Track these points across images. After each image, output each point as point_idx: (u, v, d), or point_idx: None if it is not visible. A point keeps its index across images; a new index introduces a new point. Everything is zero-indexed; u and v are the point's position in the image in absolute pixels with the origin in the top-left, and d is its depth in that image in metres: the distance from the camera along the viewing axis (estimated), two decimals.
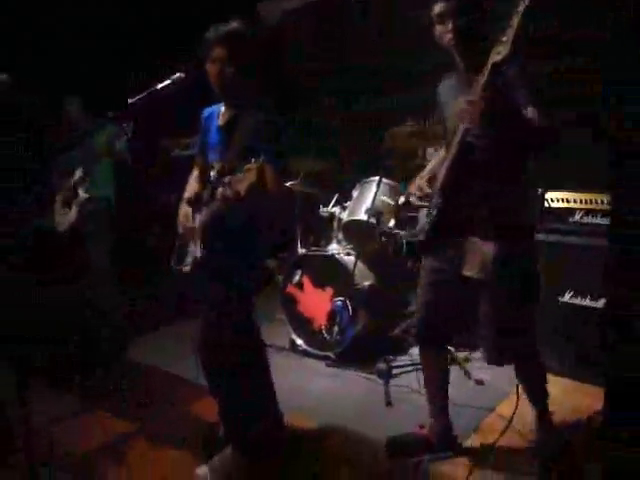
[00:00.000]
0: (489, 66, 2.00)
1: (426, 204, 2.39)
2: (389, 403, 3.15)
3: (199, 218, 2.46)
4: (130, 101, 2.20)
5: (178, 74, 2.27)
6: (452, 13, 2.18)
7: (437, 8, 2.24)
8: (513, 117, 2.08)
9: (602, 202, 3.21)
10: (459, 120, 2.16)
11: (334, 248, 3.98)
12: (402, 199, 3.93)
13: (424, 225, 2.36)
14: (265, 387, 2.66)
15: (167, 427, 3.01)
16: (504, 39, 1.94)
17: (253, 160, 2.06)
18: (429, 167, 2.60)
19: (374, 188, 3.82)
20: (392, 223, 3.85)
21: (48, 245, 4.11)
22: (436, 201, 2.31)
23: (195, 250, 2.43)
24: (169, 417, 3.13)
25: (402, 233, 3.66)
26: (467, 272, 2.27)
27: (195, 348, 2.56)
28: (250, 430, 2.55)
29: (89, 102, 4.15)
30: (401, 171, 4.44)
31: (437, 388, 2.62)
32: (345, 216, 3.96)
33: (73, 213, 3.95)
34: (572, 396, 2.92)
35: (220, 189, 2.18)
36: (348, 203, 4.06)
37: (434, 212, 2.32)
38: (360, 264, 3.79)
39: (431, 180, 2.44)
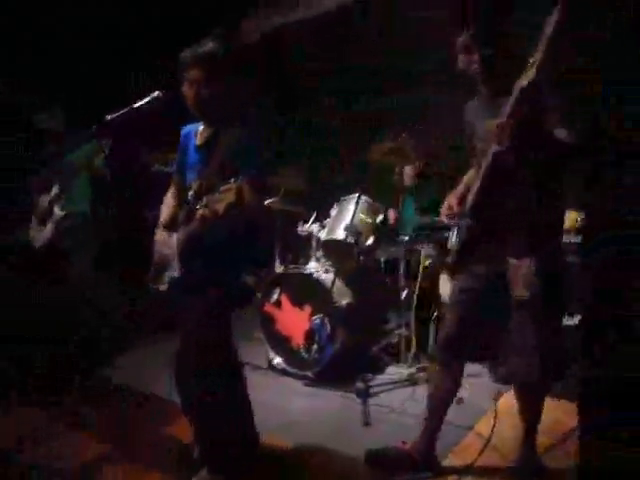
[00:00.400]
0: (517, 90, 2.03)
1: (454, 222, 2.44)
2: (367, 423, 3.12)
3: (176, 237, 2.44)
4: (107, 118, 2.19)
5: (156, 93, 2.26)
6: (479, 44, 2.23)
7: (463, 39, 2.27)
8: (543, 138, 2.11)
9: (576, 220, 3.24)
10: (489, 142, 2.18)
11: (312, 266, 3.97)
12: (380, 217, 3.98)
13: (454, 245, 2.39)
14: (242, 407, 2.62)
15: (141, 449, 2.94)
16: (531, 61, 1.97)
17: (232, 180, 2.06)
18: (462, 185, 2.61)
19: (352, 206, 3.83)
20: (371, 241, 3.87)
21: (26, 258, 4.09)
22: (466, 221, 2.34)
23: (173, 269, 2.42)
24: (143, 438, 3.06)
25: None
26: (513, 293, 2.28)
27: (171, 365, 2.52)
28: (225, 450, 2.51)
29: (69, 116, 4.14)
30: (379, 188, 4.48)
31: (441, 405, 2.59)
32: (324, 235, 3.96)
33: (48, 230, 3.94)
34: (552, 413, 2.92)
35: (199, 210, 2.19)
36: (327, 221, 4.05)
37: (464, 232, 2.35)
38: (338, 282, 3.78)
39: (461, 200, 2.48)
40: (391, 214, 4.15)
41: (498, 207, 2.26)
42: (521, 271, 2.25)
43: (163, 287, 2.45)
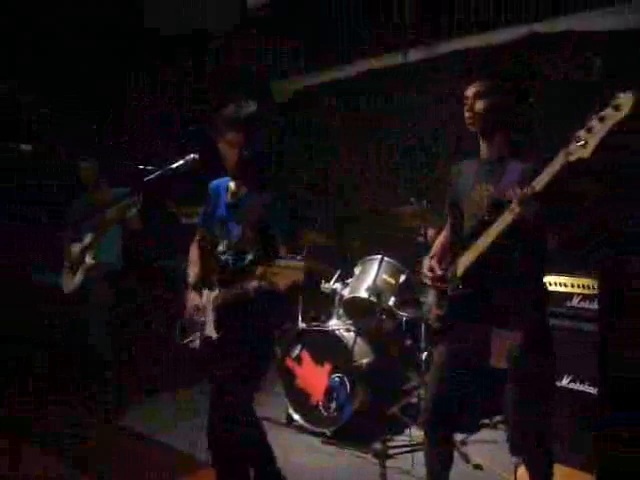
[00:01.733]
0: (556, 166, 1.98)
1: (439, 285, 2.40)
2: None
3: (212, 298, 2.50)
4: (145, 179, 2.29)
5: (192, 155, 2.35)
6: (484, 94, 2.29)
7: (470, 90, 2.33)
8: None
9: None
10: (479, 206, 2.25)
11: (334, 324, 4.01)
12: (403, 278, 4.04)
13: (435, 309, 2.39)
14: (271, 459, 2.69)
15: None
16: (580, 143, 1.90)
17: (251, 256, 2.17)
18: (436, 245, 2.64)
19: (376, 267, 3.89)
20: (392, 301, 3.92)
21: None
22: (455, 287, 2.34)
23: (208, 330, 2.46)
24: None
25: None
26: (494, 363, 2.27)
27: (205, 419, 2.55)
28: None
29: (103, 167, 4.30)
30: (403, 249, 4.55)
31: (438, 474, 2.55)
32: (346, 293, 4.02)
33: (78, 277, 4.09)
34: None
35: (230, 291, 2.34)
36: (350, 280, 4.12)
37: (451, 298, 2.34)
38: (360, 341, 3.81)
39: (440, 261, 2.47)
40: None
41: (491, 276, 2.26)
42: (504, 341, 2.24)
43: (194, 344, 2.50)
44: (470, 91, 2.33)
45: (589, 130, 1.91)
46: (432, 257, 2.54)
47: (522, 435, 2.35)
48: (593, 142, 1.90)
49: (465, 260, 2.31)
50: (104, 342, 4.09)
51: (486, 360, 2.27)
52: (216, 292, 2.49)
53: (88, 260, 4.08)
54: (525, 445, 2.36)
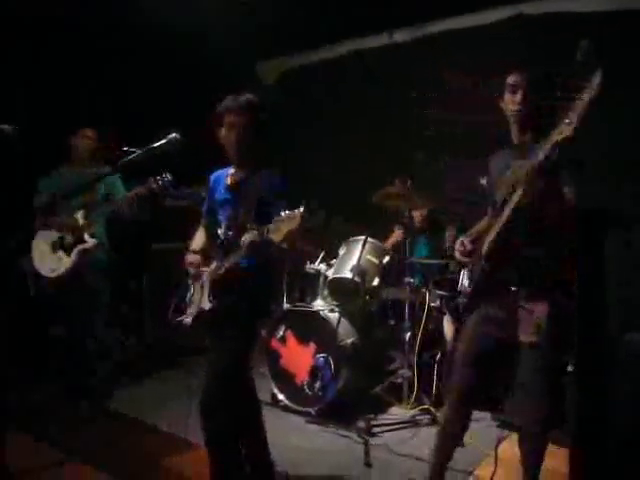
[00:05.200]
0: (550, 144, 2.07)
1: (465, 260, 2.49)
2: (368, 463, 3.13)
3: (208, 272, 2.55)
4: (125, 159, 2.25)
5: (174, 134, 2.32)
6: (526, 84, 2.35)
7: (512, 78, 2.39)
8: (556, 195, 2.21)
9: None
10: (514, 185, 2.26)
11: (319, 304, 4.03)
12: (387, 259, 4.06)
13: (466, 287, 2.44)
14: (262, 434, 2.74)
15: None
16: (567, 121, 2.00)
17: (295, 210, 2.16)
18: (475, 228, 2.69)
19: (360, 247, 3.90)
20: (376, 282, 3.93)
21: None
22: (481, 264, 2.38)
23: (203, 303, 2.51)
24: (145, 469, 3.09)
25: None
26: (522, 338, 2.31)
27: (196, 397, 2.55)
28: None
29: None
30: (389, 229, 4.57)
31: (448, 449, 2.59)
32: (331, 273, 4.04)
33: (73, 257, 3.81)
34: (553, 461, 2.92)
35: (246, 235, 2.27)
36: (334, 261, 4.13)
37: (478, 275, 2.39)
38: (344, 321, 3.83)
39: (474, 240, 2.52)
40: (398, 234, 4.28)
41: (513, 253, 2.31)
42: (533, 316, 2.28)
43: (187, 321, 2.55)
44: (515, 79, 2.38)
45: (571, 110, 2.00)
46: (467, 236, 2.61)
47: (530, 407, 2.38)
48: (575, 120, 1.98)
49: (488, 238, 2.37)
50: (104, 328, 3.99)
51: (514, 335, 2.31)
52: (213, 266, 2.54)
53: (88, 239, 3.80)
54: (529, 418, 2.40)
